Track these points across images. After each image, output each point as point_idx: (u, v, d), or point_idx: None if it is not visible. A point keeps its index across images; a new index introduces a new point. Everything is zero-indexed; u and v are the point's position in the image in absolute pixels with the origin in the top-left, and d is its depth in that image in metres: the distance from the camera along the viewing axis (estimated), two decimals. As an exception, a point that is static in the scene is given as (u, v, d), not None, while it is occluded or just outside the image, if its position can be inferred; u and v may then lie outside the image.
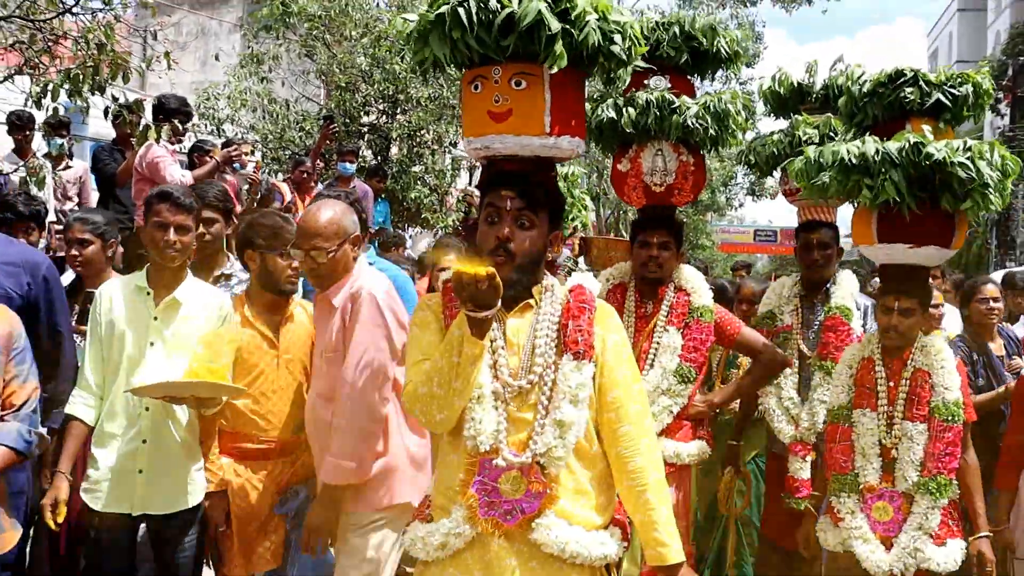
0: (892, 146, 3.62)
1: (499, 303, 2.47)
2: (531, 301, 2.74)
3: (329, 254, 3.44)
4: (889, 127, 4.02)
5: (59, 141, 8.15)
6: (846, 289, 4.79)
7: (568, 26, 2.81)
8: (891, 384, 3.89)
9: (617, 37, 2.95)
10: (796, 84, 5.47)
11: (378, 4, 13.33)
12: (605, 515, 2.72)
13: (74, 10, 6.63)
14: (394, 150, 12.88)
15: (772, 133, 5.42)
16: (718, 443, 4.69)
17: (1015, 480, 4.33)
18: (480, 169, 3.08)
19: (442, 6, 2.82)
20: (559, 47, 2.78)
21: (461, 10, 2.76)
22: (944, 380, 3.82)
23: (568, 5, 2.81)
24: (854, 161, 3.64)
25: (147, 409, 3.57)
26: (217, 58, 12.82)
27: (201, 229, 3.96)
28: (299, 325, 3.84)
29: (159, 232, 3.60)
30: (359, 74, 12.21)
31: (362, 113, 12.65)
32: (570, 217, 5.34)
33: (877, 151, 3.61)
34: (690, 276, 4.40)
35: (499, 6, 2.75)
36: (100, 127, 7.79)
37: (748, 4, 25.78)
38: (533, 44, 2.80)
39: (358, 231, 3.61)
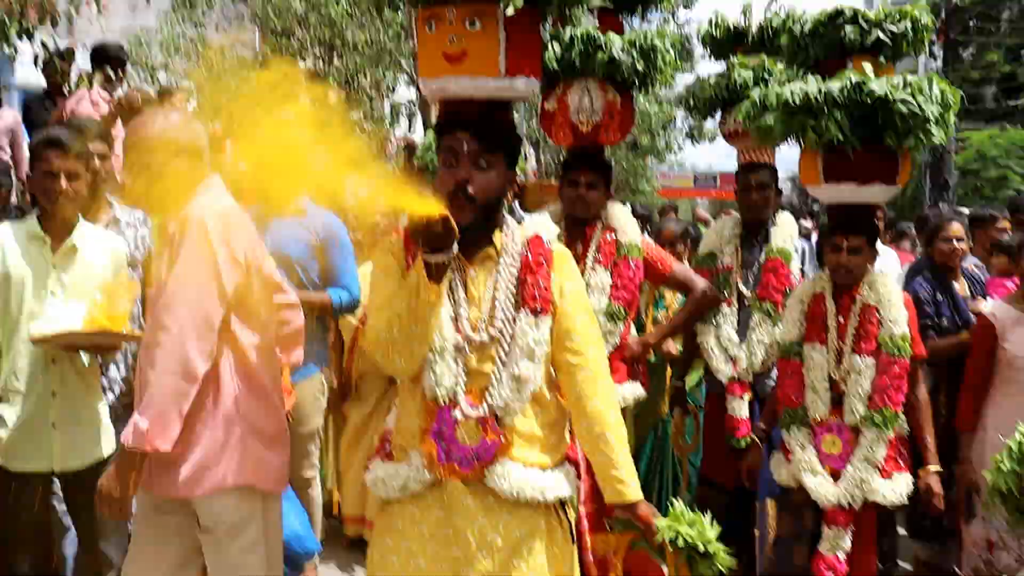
0: (834, 85, 3.68)
1: (455, 247, 2.51)
2: (491, 250, 2.77)
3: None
4: (830, 66, 4.09)
5: (-14, 90, 8.05)
6: (786, 231, 4.84)
7: None
8: (840, 319, 3.96)
9: None
10: (732, 27, 5.49)
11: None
12: (557, 454, 2.81)
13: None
14: (332, 96, 12.79)
15: (709, 76, 5.51)
16: (655, 383, 4.77)
17: (975, 419, 4.44)
18: (421, 112, 3.11)
19: None
20: None
21: None
22: (892, 315, 3.89)
23: None
24: (798, 102, 3.69)
25: (53, 361, 3.52)
26: (148, 2, 12.60)
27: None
28: None
29: (49, 180, 3.52)
30: (294, 18, 12.09)
31: (298, 59, 12.55)
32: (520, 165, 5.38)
33: (820, 91, 3.68)
34: (618, 214, 4.45)
35: None
36: (29, 76, 7.66)
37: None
38: None
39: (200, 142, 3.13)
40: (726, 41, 5.53)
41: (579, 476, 2.91)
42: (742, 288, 4.81)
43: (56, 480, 3.62)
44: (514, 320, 2.72)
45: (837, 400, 3.91)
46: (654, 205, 32.83)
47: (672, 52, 4.49)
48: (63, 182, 3.51)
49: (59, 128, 3.83)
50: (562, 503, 2.83)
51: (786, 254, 4.70)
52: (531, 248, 2.78)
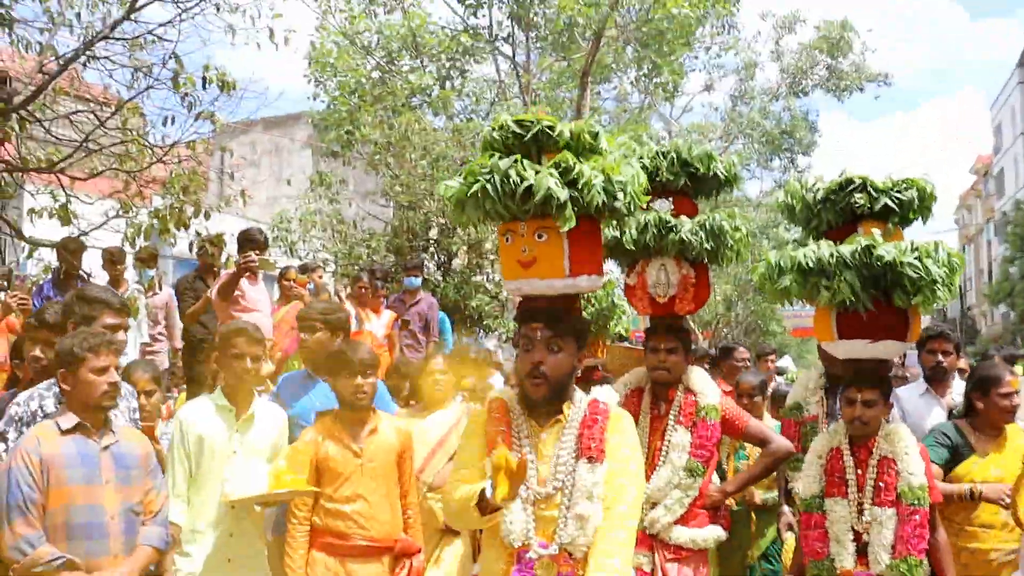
0: (845, 249, 3.89)
1: (516, 494, 2.99)
2: (561, 417, 3.25)
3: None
4: (842, 231, 4.32)
5: (150, 273, 9.04)
6: None
7: (575, 192, 3.34)
8: (859, 472, 4.09)
9: (620, 195, 3.46)
10: (804, 196, 5.89)
11: (435, 128, 14.27)
12: None
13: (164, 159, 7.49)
14: (456, 261, 13.61)
15: (786, 243, 5.82)
16: (740, 530, 4.98)
17: None
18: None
19: (474, 183, 3.40)
20: (568, 212, 3.32)
21: (489, 186, 3.34)
22: (909, 466, 4.00)
23: (575, 175, 3.35)
24: (811, 264, 3.94)
25: (232, 507, 4.22)
26: (289, 183, 13.79)
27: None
28: (382, 437, 4.45)
29: (238, 362, 4.31)
30: (421, 192, 12.97)
31: (425, 228, 13.45)
32: (611, 324, 5.76)
33: (832, 254, 3.91)
34: (698, 378, 4.75)
35: (519, 179, 3.30)
36: (181, 247, 8.61)
37: (800, 95, 26.30)
38: (549, 208, 3.34)
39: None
40: (800, 209, 5.89)
41: None
42: None
43: None
44: (574, 471, 3.14)
45: (861, 550, 4.01)
46: (786, 346, 32.57)
47: (742, 231, 4.85)
48: (248, 363, 4.28)
49: (245, 320, 4.72)
50: None
51: None
52: (590, 408, 3.26)
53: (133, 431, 3.95)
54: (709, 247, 4.74)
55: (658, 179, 4.87)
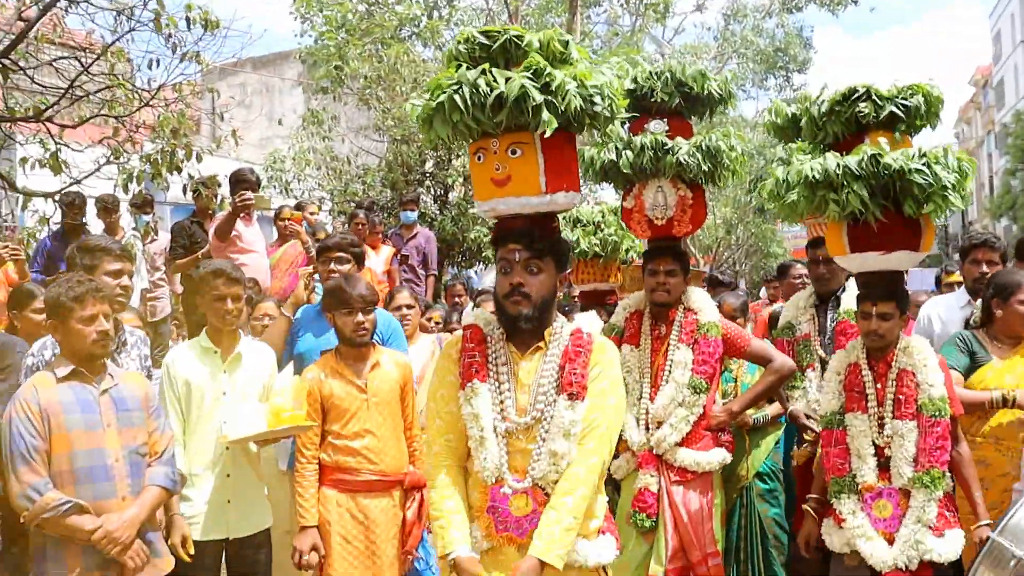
0: (852, 160, 3.82)
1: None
2: (541, 344, 3.19)
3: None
4: (850, 142, 4.25)
5: (145, 219, 9.02)
6: (853, 294, 4.82)
7: (550, 97, 3.13)
8: (878, 386, 4.05)
9: (597, 99, 3.26)
10: (791, 114, 5.85)
11: (425, 60, 14.09)
12: (595, 517, 3.17)
13: (151, 103, 7.39)
14: (453, 194, 13.54)
15: (773, 162, 5.81)
16: (735, 450, 4.96)
17: None
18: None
19: (440, 95, 3.17)
20: (546, 114, 3.10)
21: (457, 96, 3.11)
22: (928, 378, 3.96)
23: (548, 79, 3.14)
24: (818, 177, 3.87)
25: (227, 448, 4.25)
26: (280, 122, 13.65)
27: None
28: (385, 371, 4.47)
29: (219, 303, 4.29)
30: (413, 125, 12.85)
31: (420, 161, 13.35)
32: (624, 248, 5.75)
33: (838, 165, 3.84)
34: (697, 297, 4.80)
35: (489, 88, 3.10)
36: (177, 193, 8.58)
37: (793, 10, 25.89)
38: (523, 116, 3.14)
39: None
40: (787, 127, 5.85)
41: (617, 546, 3.26)
42: (821, 352, 5.08)
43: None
44: (554, 403, 3.10)
45: (883, 465, 3.99)
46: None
47: (736, 151, 4.84)
48: (230, 304, 4.28)
49: (223, 261, 4.67)
50: (604, 569, 3.20)
51: (853, 315, 4.77)
52: (572, 340, 3.19)
53: (132, 374, 3.95)
54: (706, 168, 4.75)
55: (653, 100, 4.87)
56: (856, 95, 4.27)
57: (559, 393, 3.12)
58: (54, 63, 7.62)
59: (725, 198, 24.17)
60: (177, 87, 7.76)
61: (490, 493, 3.12)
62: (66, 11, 7.87)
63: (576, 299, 6.31)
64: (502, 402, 3.16)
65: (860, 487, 4.01)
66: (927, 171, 3.76)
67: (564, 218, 5.54)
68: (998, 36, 48.56)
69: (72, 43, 8.51)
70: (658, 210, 4.83)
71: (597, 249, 5.32)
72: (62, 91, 7.47)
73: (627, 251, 5.73)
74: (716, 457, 4.60)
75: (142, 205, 8.88)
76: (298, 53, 15.44)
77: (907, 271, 4.31)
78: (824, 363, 4.98)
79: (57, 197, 7.19)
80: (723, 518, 4.79)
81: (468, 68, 3.18)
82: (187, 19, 6.99)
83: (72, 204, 7.40)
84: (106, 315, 3.66)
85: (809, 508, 4.36)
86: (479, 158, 3.36)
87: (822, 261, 5.17)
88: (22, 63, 7.38)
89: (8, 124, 7.55)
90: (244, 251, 7.39)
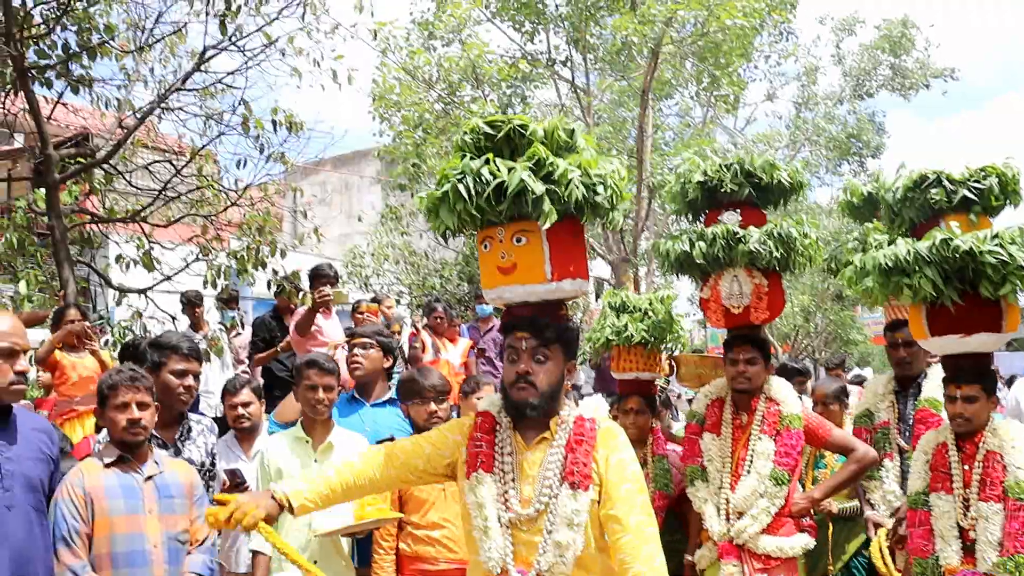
0: (922, 245, 3.81)
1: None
2: (547, 435, 3.11)
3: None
4: (926, 226, 4.26)
5: (231, 314, 9.32)
6: (935, 381, 4.90)
7: (552, 186, 3.11)
8: (965, 467, 3.96)
9: (600, 188, 3.21)
10: (867, 193, 5.78)
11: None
12: None
13: (238, 202, 7.74)
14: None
15: (846, 242, 5.80)
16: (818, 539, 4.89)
17: None
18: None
19: (445, 184, 3.19)
20: (547, 206, 3.07)
21: (460, 186, 3.11)
22: (1015, 460, 3.86)
23: (551, 168, 3.12)
24: (890, 264, 3.87)
25: (315, 536, 4.31)
26: (360, 219, 14.03)
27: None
28: None
29: (311, 393, 4.43)
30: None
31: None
32: (669, 337, 5.75)
33: (909, 251, 3.82)
34: (779, 387, 4.76)
35: (491, 178, 3.08)
36: (260, 288, 8.87)
37: (864, 96, 25.94)
38: (525, 207, 3.10)
39: None
40: (862, 207, 5.86)
41: None
42: (900, 442, 4.96)
43: None
44: (558, 494, 3.00)
45: (968, 548, 3.89)
46: (870, 355, 31.89)
47: (810, 237, 4.84)
48: (322, 394, 4.40)
49: (318, 352, 4.78)
50: None
51: (935, 403, 4.79)
52: (575, 428, 3.10)
53: (179, 462, 4.03)
54: (779, 255, 4.75)
55: (723, 191, 4.93)
56: (927, 181, 4.28)
57: (562, 483, 3.03)
58: (149, 167, 8.03)
59: (803, 285, 23.94)
60: (263, 187, 8.11)
61: None
62: (160, 118, 8.32)
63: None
64: (506, 492, 3.09)
65: (943, 570, 3.94)
66: (1001, 251, 3.71)
67: (610, 304, 5.56)
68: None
69: (164, 147, 8.97)
70: (734, 299, 4.84)
71: (646, 335, 5.28)
72: (155, 192, 7.87)
73: (674, 340, 5.68)
74: (799, 542, 4.54)
75: (228, 300, 9.20)
76: (376, 152, 15.93)
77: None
78: (903, 452, 4.91)
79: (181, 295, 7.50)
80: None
81: (473, 158, 3.18)
82: (273, 122, 7.35)
83: (188, 301, 7.69)
84: (140, 404, 3.75)
85: None
86: (485, 247, 3.32)
87: (902, 344, 5.08)
88: (120, 167, 7.80)
89: (106, 224, 7.94)
90: (324, 344, 7.56)
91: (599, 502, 3.02)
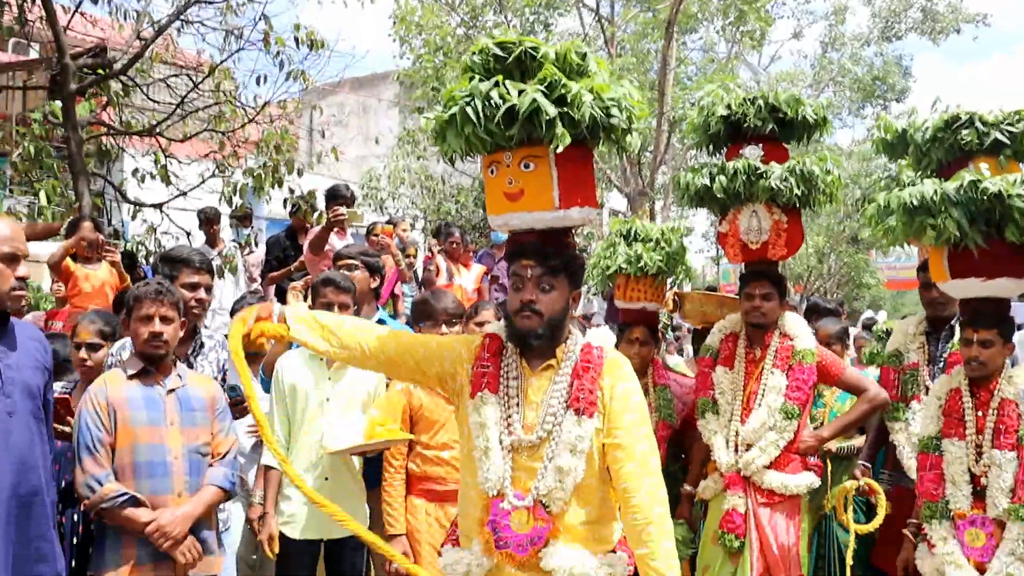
0: (950, 186, 3.75)
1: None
2: (553, 361, 3.04)
3: None
4: (954, 168, 4.16)
5: (246, 231, 9.31)
6: None
7: (565, 109, 2.98)
8: (979, 414, 3.96)
9: (615, 110, 3.09)
10: (900, 130, 5.77)
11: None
12: (607, 545, 3.02)
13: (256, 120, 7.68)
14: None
15: (880, 180, 5.72)
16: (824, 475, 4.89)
17: None
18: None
19: (453, 107, 3.04)
20: (559, 128, 2.95)
21: (469, 109, 2.98)
22: None
23: (563, 91, 2.98)
24: (915, 204, 3.80)
25: (326, 453, 4.34)
26: (377, 141, 13.94)
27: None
28: None
29: (328, 310, 4.33)
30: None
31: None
32: (678, 269, 5.51)
33: (936, 192, 3.76)
34: (793, 323, 4.75)
35: (501, 101, 2.95)
36: (274, 208, 8.84)
37: (892, 39, 25.53)
38: (536, 130, 2.97)
39: None
40: (896, 144, 5.78)
41: (631, 563, 3.03)
42: (929, 384, 4.84)
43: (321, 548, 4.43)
44: (563, 421, 2.96)
45: (979, 494, 3.90)
46: (881, 299, 31.86)
47: (833, 174, 4.79)
48: (338, 312, 4.36)
49: (334, 271, 4.71)
50: None
51: None
52: (581, 355, 3.04)
53: (202, 377, 4.04)
54: (800, 192, 4.70)
55: (746, 126, 4.86)
56: (959, 122, 4.19)
57: (567, 409, 2.98)
58: (167, 80, 7.97)
59: (818, 227, 23.82)
60: (282, 104, 8.05)
61: (491, 507, 2.98)
62: (179, 31, 8.24)
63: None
64: (509, 416, 3.03)
65: (953, 514, 3.95)
66: None
67: (619, 232, 5.50)
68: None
69: (183, 62, 8.89)
70: (752, 234, 4.81)
71: (661, 265, 5.23)
72: (173, 107, 7.82)
73: (681, 272, 5.66)
74: (804, 480, 4.56)
75: (242, 218, 9.18)
76: (396, 75, 15.78)
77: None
78: None
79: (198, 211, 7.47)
80: (808, 544, 4.74)
81: (482, 80, 3.05)
82: (295, 39, 7.26)
83: (206, 218, 7.67)
84: (164, 318, 3.76)
85: (908, 532, 4.33)
86: (492, 171, 3.21)
87: (935, 285, 4.80)
88: (138, 80, 7.74)
89: (122, 138, 7.91)
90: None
91: (603, 431, 2.98)
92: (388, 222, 9.34)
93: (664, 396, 5.19)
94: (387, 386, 4.65)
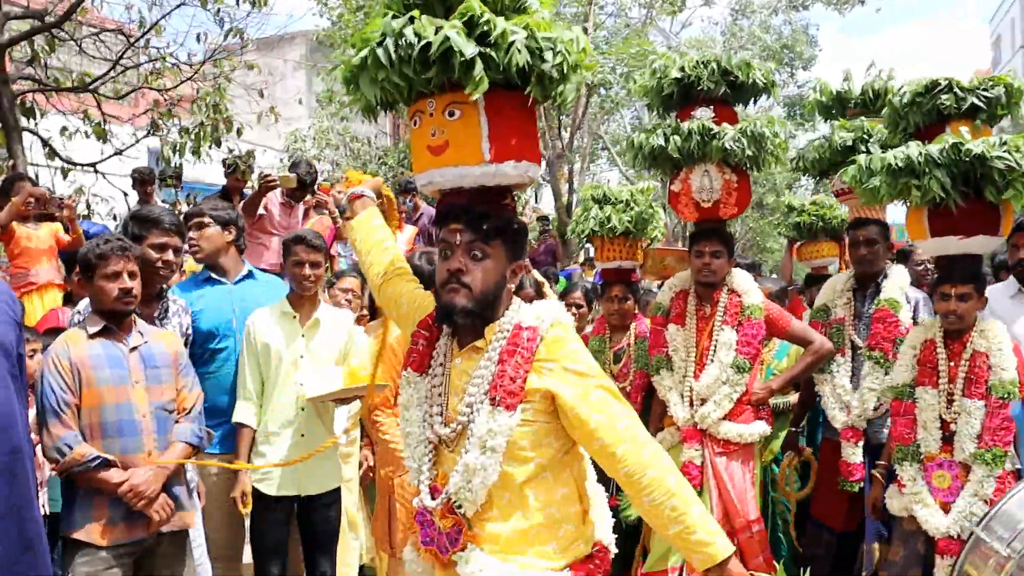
0: (933, 148, 3.94)
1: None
2: (480, 343, 2.64)
3: None
4: (930, 131, 4.38)
5: (174, 192, 9.18)
6: (895, 282, 5.08)
7: (488, 49, 2.63)
8: (951, 364, 4.17)
9: (548, 54, 2.69)
10: (835, 92, 5.95)
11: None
12: (549, 558, 2.58)
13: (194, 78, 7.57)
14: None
15: (813, 140, 5.99)
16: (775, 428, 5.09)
17: None
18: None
19: (363, 49, 2.72)
20: (478, 71, 2.60)
21: (380, 50, 2.65)
22: (1001, 361, 4.05)
23: (486, 27, 2.63)
24: (900, 165, 4.00)
25: (302, 409, 4.43)
26: (301, 102, 13.78)
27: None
28: None
29: (297, 268, 4.46)
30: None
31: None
32: (650, 227, 5.72)
33: (920, 153, 3.95)
34: (741, 279, 4.93)
35: (416, 39, 2.62)
36: (196, 172, 8.68)
37: (800, 8, 26.07)
38: (455, 72, 2.64)
39: None
40: (831, 105, 6.02)
41: None
42: (855, 338, 5.12)
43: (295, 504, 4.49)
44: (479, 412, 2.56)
45: (947, 438, 4.14)
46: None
47: (781, 136, 4.96)
48: (308, 270, 4.43)
49: (306, 229, 4.66)
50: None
51: (894, 304, 4.97)
52: (510, 338, 2.60)
53: (164, 332, 4.02)
54: (751, 153, 4.86)
55: (699, 88, 5.01)
56: (938, 87, 4.39)
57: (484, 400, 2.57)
58: (99, 35, 7.78)
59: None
60: (218, 63, 7.93)
61: (417, 502, 2.73)
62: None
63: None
64: (430, 410, 2.69)
65: (923, 456, 4.18)
66: (1008, 157, 3.85)
67: (592, 196, 5.67)
68: (998, 41, 48.73)
69: (112, 25, 8.66)
70: (704, 193, 4.98)
71: (629, 226, 5.43)
72: (105, 63, 7.64)
73: (653, 231, 5.86)
74: (757, 429, 4.75)
75: (173, 178, 9.04)
76: (315, 35, 15.54)
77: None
78: (856, 349, 5.08)
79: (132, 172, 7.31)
80: (760, 490, 4.94)
81: (396, 16, 2.70)
82: (235, -4, 7.16)
83: (141, 177, 7.49)
84: (131, 274, 3.73)
85: (877, 474, 4.57)
86: (415, 122, 2.85)
87: (863, 242, 5.15)
88: (71, 35, 7.53)
89: (53, 94, 7.70)
90: (270, 233, 7.43)
91: (569, 420, 2.56)
92: (324, 180, 9.31)
93: (643, 348, 5.36)
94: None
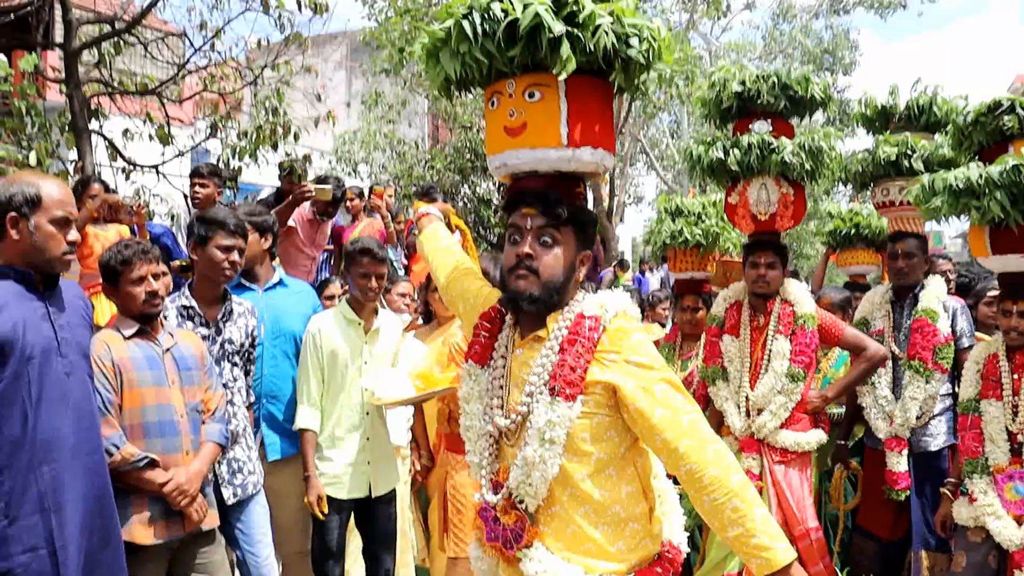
0: (994, 170, 4.00)
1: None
2: (543, 333, 2.59)
3: None
4: (994, 151, 4.43)
5: (228, 192, 9.32)
6: (933, 293, 5.14)
7: (575, 29, 2.60)
8: (1015, 377, 4.25)
9: (634, 40, 2.66)
10: (881, 106, 6.04)
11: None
12: (615, 559, 2.51)
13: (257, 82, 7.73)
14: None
15: (856, 152, 6.07)
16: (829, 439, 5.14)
17: None
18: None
19: (447, 22, 2.70)
20: (565, 50, 2.56)
21: (466, 23, 2.62)
22: None
23: (575, 8, 2.60)
24: (962, 186, 4.08)
25: (367, 414, 4.55)
26: (349, 105, 13.93)
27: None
28: None
29: (363, 280, 4.57)
30: (480, 112, 13.06)
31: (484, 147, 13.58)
32: (723, 239, 5.88)
33: (981, 175, 4.02)
34: (794, 289, 4.99)
35: (503, 15, 2.59)
36: (249, 175, 8.79)
37: (841, 12, 26.00)
38: (541, 51, 2.61)
39: None
40: (876, 119, 6.10)
41: None
42: (894, 349, 5.20)
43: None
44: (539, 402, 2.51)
45: (1016, 451, 4.19)
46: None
47: (836, 151, 5.05)
48: (374, 282, 4.56)
49: (370, 239, 4.77)
50: None
51: (932, 314, 5.04)
52: (572, 328, 2.54)
53: (188, 333, 4.06)
54: (808, 167, 4.94)
55: (759, 102, 5.08)
56: (1001, 108, 4.43)
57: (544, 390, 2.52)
58: (164, 39, 7.97)
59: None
60: (278, 67, 8.10)
61: (479, 497, 2.71)
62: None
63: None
64: (491, 398, 2.67)
65: (992, 469, 4.23)
66: None
67: (666, 209, 5.80)
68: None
69: (173, 31, 8.84)
70: (761, 206, 5.06)
71: (700, 239, 5.58)
72: (167, 67, 7.84)
73: (726, 244, 5.93)
74: (814, 437, 4.82)
75: (230, 179, 9.19)
76: (362, 35, 15.66)
77: None
78: (896, 359, 5.15)
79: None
80: (817, 497, 5.01)
81: None
82: (298, 2, 7.30)
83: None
84: (155, 275, 3.77)
85: (947, 491, 4.61)
86: (493, 104, 2.82)
87: (902, 255, 5.23)
88: (135, 40, 7.73)
89: (120, 97, 7.90)
90: (298, 248, 7.17)
91: (629, 415, 2.49)
92: (376, 184, 9.44)
93: None
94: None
